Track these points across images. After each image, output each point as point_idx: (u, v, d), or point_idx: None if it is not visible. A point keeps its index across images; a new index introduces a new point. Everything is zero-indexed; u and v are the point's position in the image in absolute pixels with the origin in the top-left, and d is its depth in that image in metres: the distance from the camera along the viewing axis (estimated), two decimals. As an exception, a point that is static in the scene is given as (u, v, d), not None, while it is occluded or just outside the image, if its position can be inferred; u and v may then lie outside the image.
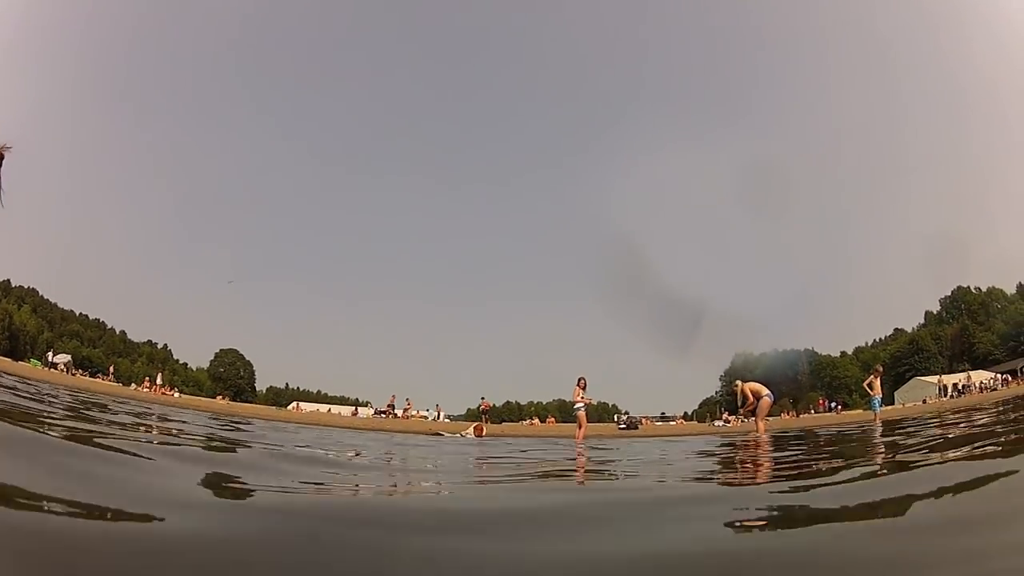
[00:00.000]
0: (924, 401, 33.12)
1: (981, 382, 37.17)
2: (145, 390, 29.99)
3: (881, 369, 16.65)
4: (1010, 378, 36.59)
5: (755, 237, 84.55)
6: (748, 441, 9.16)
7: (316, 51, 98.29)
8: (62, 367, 34.51)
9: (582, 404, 13.56)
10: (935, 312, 57.59)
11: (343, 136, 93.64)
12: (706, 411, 53.06)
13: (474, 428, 16.87)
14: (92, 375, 37.80)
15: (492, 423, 25.93)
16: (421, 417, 28.06)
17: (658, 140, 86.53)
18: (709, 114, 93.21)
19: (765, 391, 12.00)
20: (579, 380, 13.59)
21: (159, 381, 36.07)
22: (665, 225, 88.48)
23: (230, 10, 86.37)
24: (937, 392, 35.90)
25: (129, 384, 32.61)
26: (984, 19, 64.84)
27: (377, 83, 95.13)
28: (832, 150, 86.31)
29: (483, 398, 30.12)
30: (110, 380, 32.06)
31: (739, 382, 12.87)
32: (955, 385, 37.20)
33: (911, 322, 59.76)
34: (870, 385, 16.10)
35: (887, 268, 76.93)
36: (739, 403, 12.79)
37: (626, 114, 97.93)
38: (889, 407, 28.87)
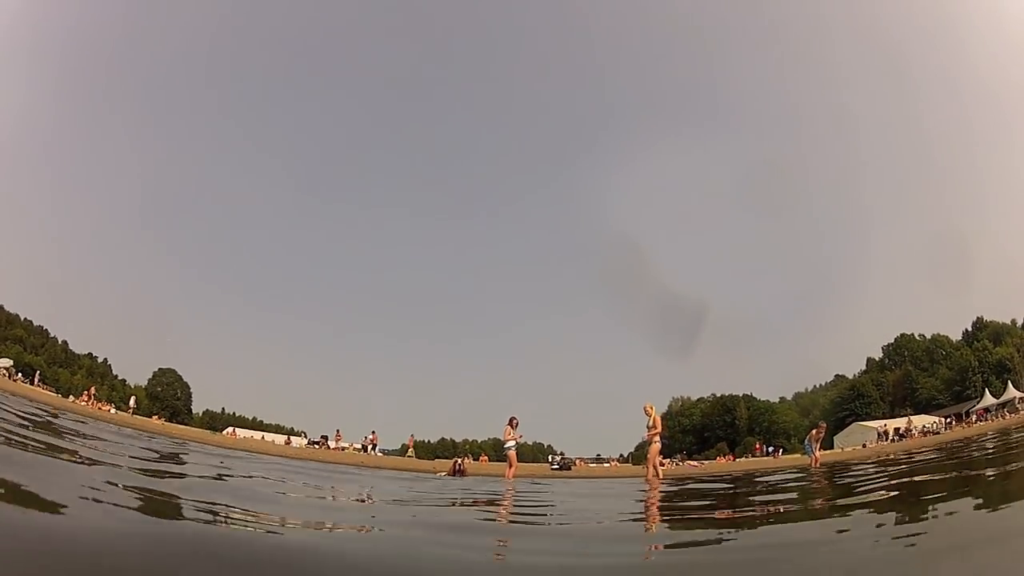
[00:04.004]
0: (864, 445, 34.05)
1: (924, 426, 38.19)
2: (82, 403, 28.95)
3: (823, 429, 17.53)
4: (954, 421, 37.76)
5: (752, 239, 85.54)
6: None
7: (304, 58, 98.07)
8: (3, 371, 33.21)
9: (513, 443, 13.80)
10: (877, 359, 59.09)
11: (329, 142, 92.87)
12: (642, 454, 53.32)
13: (451, 465, 17.01)
14: (31, 383, 36.28)
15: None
16: (355, 450, 27.77)
17: (656, 140, 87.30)
18: (709, 115, 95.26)
19: (658, 437, 11.96)
20: (511, 420, 13.85)
21: (132, 404, 34.79)
22: (662, 225, 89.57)
23: (212, 16, 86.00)
24: (877, 437, 36.89)
25: (67, 396, 31.40)
26: (986, 19, 66.85)
27: (370, 84, 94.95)
28: (830, 150, 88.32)
29: (411, 435, 31.53)
30: (85, 401, 30.45)
31: (652, 406, 12.47)
32: (896, 429, 38.17)
33: (852, 369, 61.18)
34: (811, 438, 17.01)
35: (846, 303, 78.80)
36: (648, 424, 12.35)
37: (625, 115, 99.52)
38: (828, 451, 29.71)
